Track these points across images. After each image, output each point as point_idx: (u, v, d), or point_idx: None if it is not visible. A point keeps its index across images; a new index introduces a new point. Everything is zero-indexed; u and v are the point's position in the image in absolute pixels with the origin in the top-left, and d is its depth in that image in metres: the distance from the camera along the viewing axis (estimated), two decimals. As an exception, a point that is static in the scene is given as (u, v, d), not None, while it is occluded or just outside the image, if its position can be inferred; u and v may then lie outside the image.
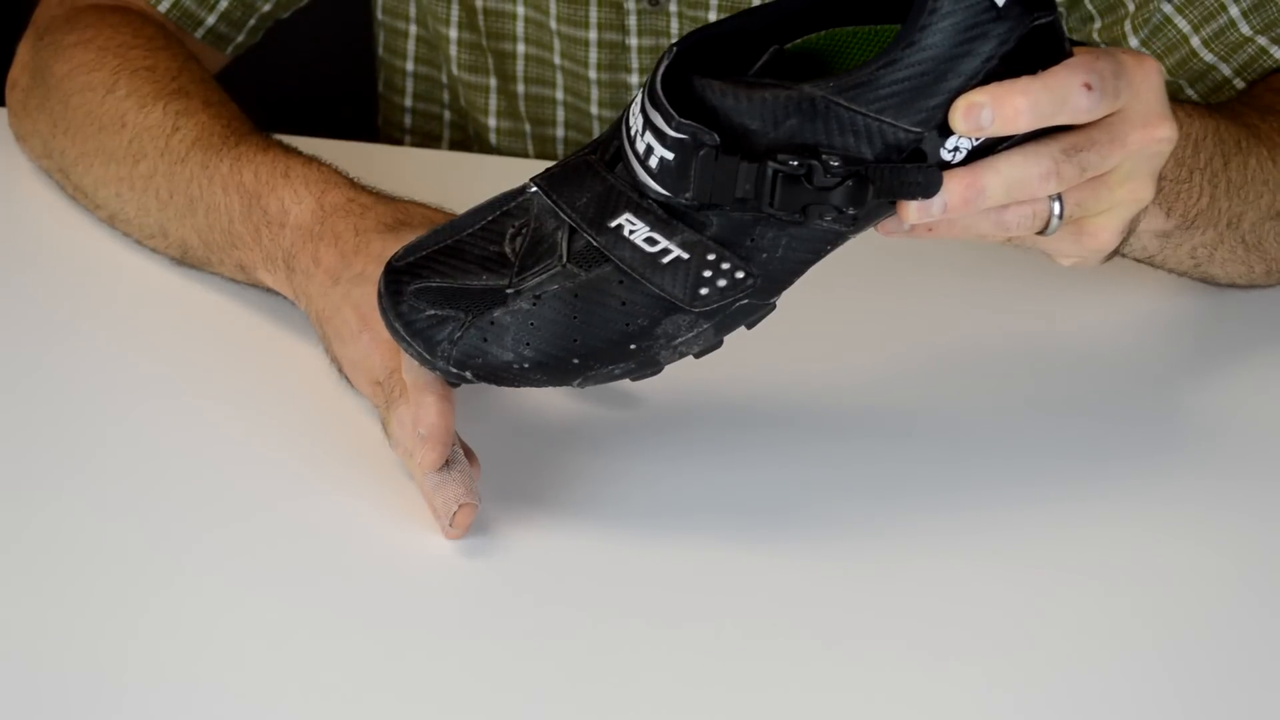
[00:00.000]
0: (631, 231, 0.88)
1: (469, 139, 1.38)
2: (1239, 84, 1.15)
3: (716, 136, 0.85)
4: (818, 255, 0.88)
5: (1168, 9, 1.15)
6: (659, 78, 0.86)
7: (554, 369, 0.90)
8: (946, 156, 0.86)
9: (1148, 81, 0.89)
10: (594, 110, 1.30)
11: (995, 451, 1.00)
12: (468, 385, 0.92)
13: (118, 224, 1.14)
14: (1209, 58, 1.16)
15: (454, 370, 0.90)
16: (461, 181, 1.23)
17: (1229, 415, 1.04)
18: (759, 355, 0.98)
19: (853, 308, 1.11)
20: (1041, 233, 0.90)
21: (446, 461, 0.92)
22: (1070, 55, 0.88)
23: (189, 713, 0.84)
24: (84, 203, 1.16)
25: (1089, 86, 0.86)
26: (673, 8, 1.25)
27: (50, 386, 1.03)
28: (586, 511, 0.95)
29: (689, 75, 0.86)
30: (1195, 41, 1.16)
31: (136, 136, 1.11)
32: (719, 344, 0.90)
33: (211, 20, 1.24)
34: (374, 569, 0.92)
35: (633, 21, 1.26)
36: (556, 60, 1.29)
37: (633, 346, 0.89)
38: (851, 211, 0.86)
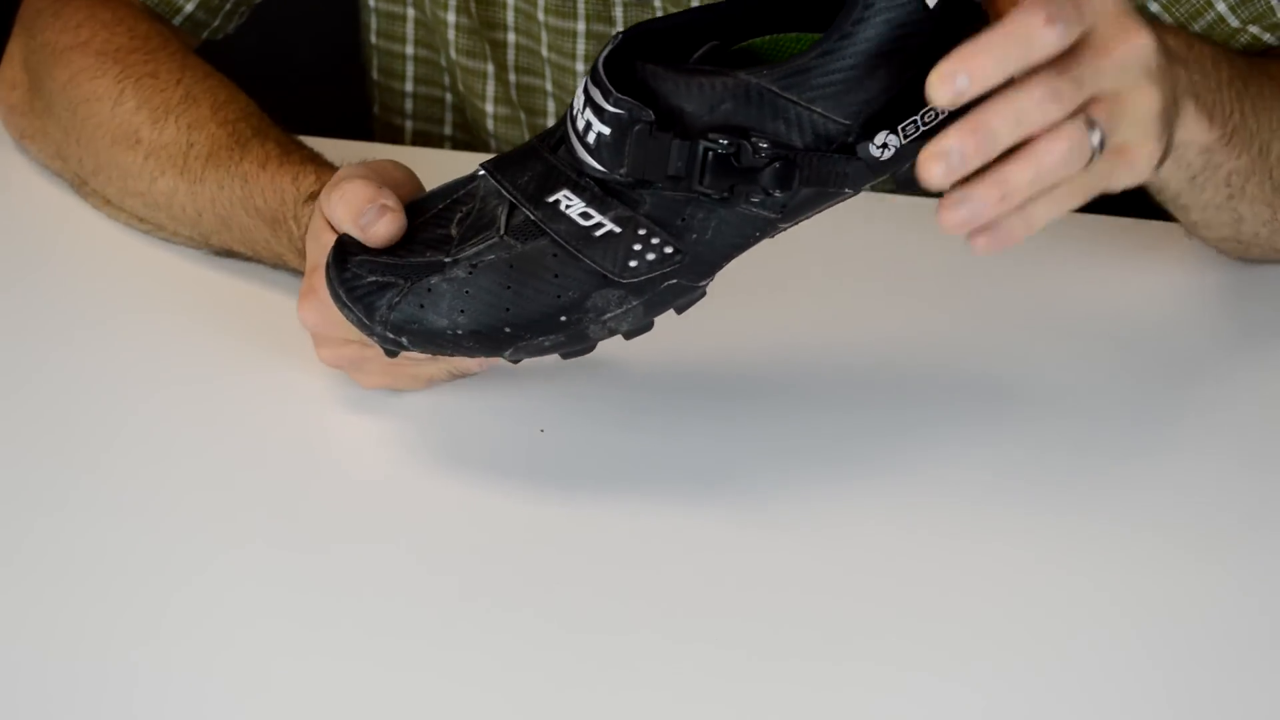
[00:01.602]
0: (568, 206, 0.91)
1: (469, 123, 1.37)
2: None
3: (651, 114, 0.88)
4: (746, 241, 0.91)
5: (1154, 8, 1.15)
6: (602, 60, 0.90)
7: (487, 337, 0.92)
8: (875, 152, 0.88)
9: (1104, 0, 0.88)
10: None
11: (994, 446, 1.01)
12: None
13: (147, 227, 1.16)
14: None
15: (390, 335, 0.93)
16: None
17: (1230, 406, 1.05)
18: (757, 353, 1.02)
19: (846, 299, 1.13)
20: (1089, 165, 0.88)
21: None
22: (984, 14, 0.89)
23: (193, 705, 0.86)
24: (107, 210, 1.18)
25: (1050, 20, 0.86)
26: (656, 2, 1.24)
27: (57, 379, 1.05)
28: (584, 505, 0.97)
29: (632, 60, 0.89)
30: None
31: (152, 154, 1.13)
32: (649, 325, 0.93)
33: (190, 7, 1.24)
34: (371, 568, 0.93)
35: (619, 13, 1.26)
36: (544, 52, 1.29)
37: (563, 319, 0.92)
38: (778, 195, 0.89)
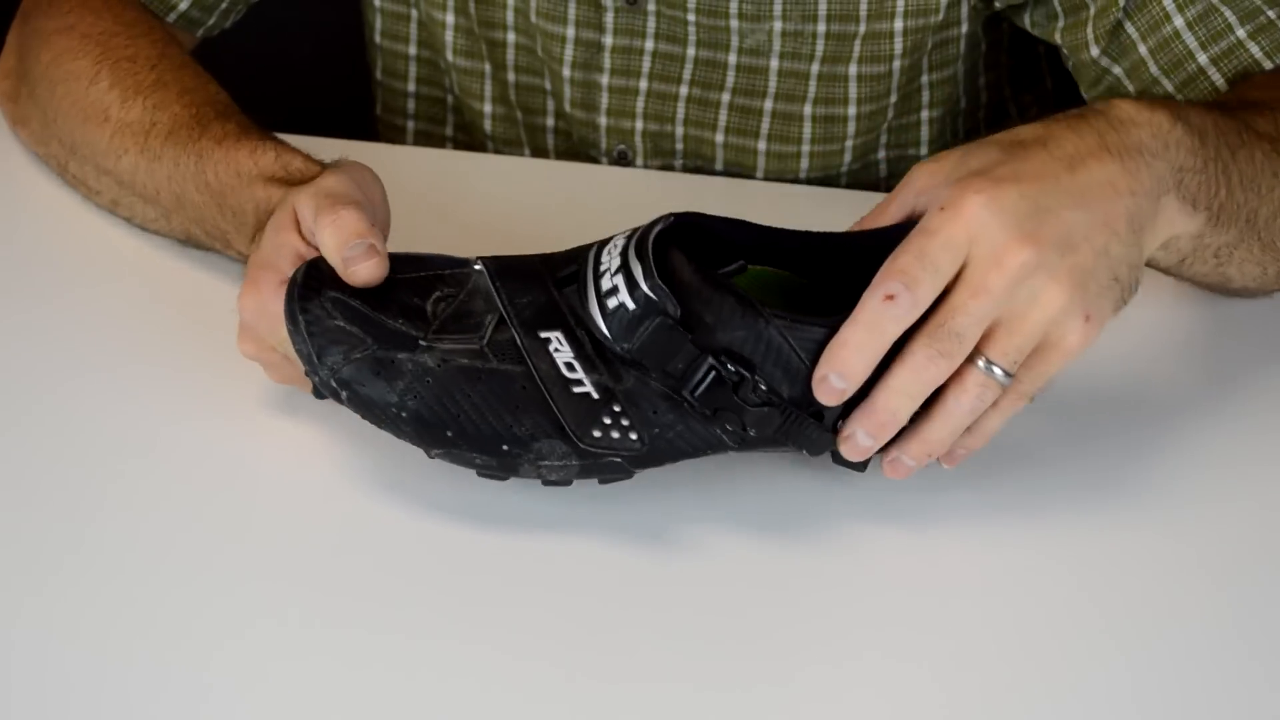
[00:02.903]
0: (556, 350, 0.91)
1: (468, 124, 1.38)
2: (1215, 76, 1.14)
3: (680, 312, 0.89)
4: (695, 453, 0.92)
5: (1125, 22, 1.15)
6: (652, 236, 0.90)
7: (425, 429, 0.91)
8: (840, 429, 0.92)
9: (974, 220, 0.89)
10: (568, 109, 1.30)
11: (993, 448, 1.00)
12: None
13: (119, 210, 1.16)
14: (1154, 70, 1.15)
15: (333, 385, 0.92)
16: (462, 181, 1.24)
17: (1224, 417, 1.04)
18: None
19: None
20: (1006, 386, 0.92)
21: None
22: None
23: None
24: (83, 191, 1.18)
25: (890, 297, 0.88)
26: (650, 6, 1.24)
27: (51, 380, 1.05)
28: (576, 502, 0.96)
29: (670, 246, 0.90)
30: (1143, 50, 1.15)
31: (118, 132, 1.13)
32: (569, 483, 0.93)
33: (184, 5, 1.25)
34: (363, 569, 0.94)
35: (610, 20, 1.25)
36: (540, 53, 1.29)
37: (504, 448, 0.92)
38: (752, 433, 0.90)
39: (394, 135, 1.40)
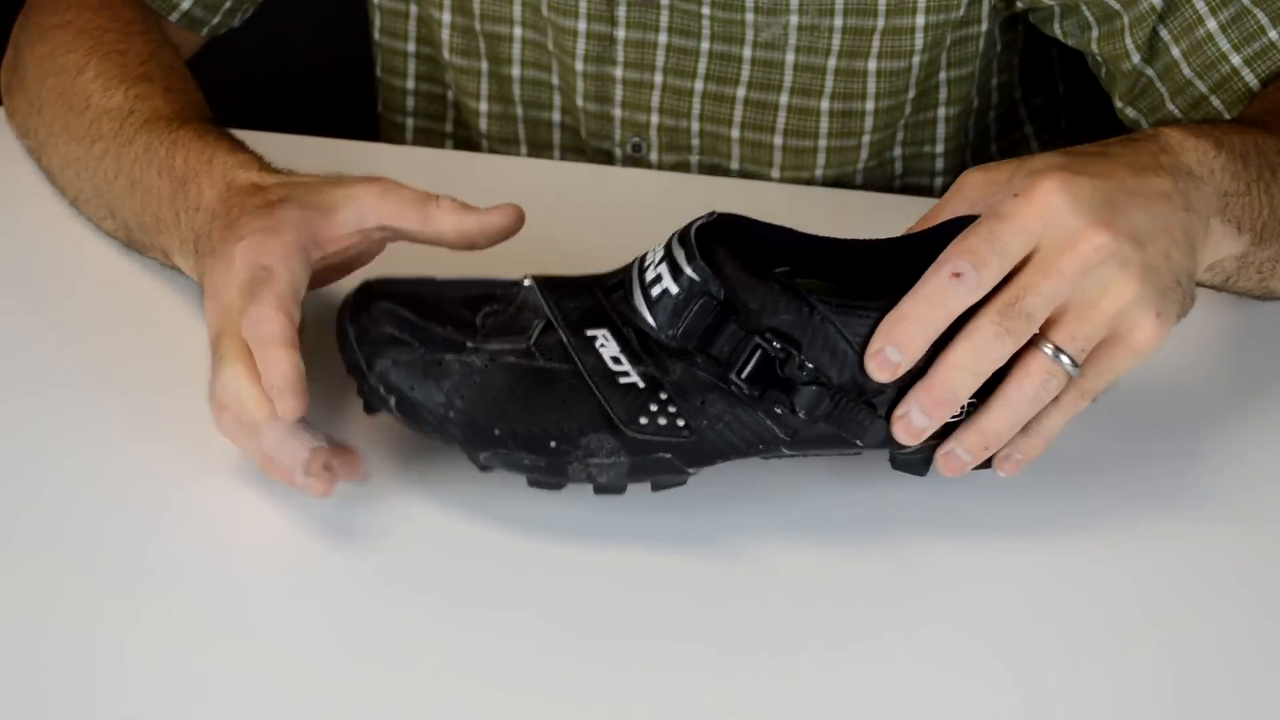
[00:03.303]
0: (603, 345, 0.92)
1: (466, 121, 1.37)
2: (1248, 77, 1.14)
3: (724, 292, 0.89)
4: (748, 448, 0.91)
5: (1159, 27, 1.15)
6: (695, 227, 0.91)
7: (475, 429, 0.91)
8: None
9: (1048, 206, 0.89)
10: (580, 102, 1.29)
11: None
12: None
13: (80, 205, 1.15)
14: (1187, 72, 1.15)
15: (381, 391, 0.92)
16: (463, 182, 1.22)
17: (1232, 420, 1.04)
18: None
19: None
20: (1071, 377, 0.90)
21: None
22: None
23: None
24: (53, 184, 1.17)
25: (957, 275, 0.87)
26: (664, 0, 1.23)
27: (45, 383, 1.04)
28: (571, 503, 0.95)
29: (714, 243, 0.91)
30: (1175, 52, 1.15)
31: (97, 119, 1.12)
32: (622, 488, 0.93)
33: (186, 4, 1.25)
34: (353, 570, 0.93)
35: (622, 13, 1.24)
36: (550, 47, 1.29)
37: (553, 444, 0.91)
38: (800, 415, 0.89)
39: (394, 133, 1.40)
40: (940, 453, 0.91)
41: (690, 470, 0.92)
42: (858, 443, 0.90)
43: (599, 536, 0.94)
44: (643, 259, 0.93)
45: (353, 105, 1.45)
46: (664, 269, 0.90)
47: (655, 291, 0.90)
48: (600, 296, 0.93)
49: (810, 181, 1.28)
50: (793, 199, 1.25)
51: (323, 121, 1.29)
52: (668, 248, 0.91)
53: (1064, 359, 0.89)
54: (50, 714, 0.85)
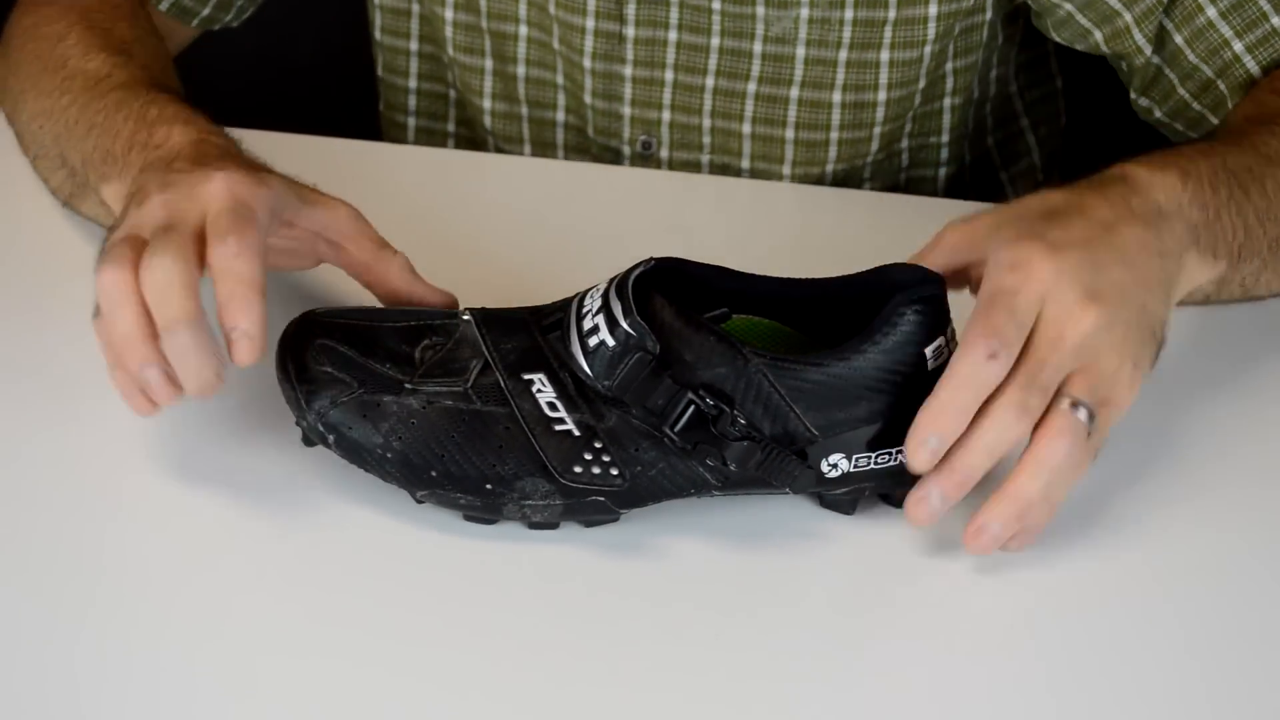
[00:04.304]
0: (539, 390, 0.93)
1: (470, 120, 1.37)
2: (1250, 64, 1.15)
3: (659, 348, 0.91)
4: (679, 493, 0.93)
5: (1163, 18, 1.16)
6: (632, 278, 0.92)
7: (411, 470, 0.93)
8: (825, 469, 0.93)
9: (1047, 279, 0.91)
10: (588, 100, 1.29)
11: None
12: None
13: (36, 163, 1.15)
14: (1192, 58, 1.17)
15: (320, 429, 0.94)
16: (463, 182, 1.23)
17: (1230, 417, 1.04)
18: None
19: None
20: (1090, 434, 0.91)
21: None
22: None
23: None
24: (21, 147, 1.18)
25: (992, 355, 0.89)
26: (673, -2, 1.24)
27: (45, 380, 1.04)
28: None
29: (652, 289, 0.92)
30: (1179, 39, 1.17)
31: (71, 76, 1.13)
32: (556, 526, 0.94)
33: None
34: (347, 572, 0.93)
35: (631, 10, 1.24)
36: (556, 45, 1.29)
37: (489, 487, 0.93)
38: (731, 468, 0.91)
39: (396, 132, 1.40)
40: (972, 529, 0.91)
41: (622, 511, 0.94)
42: (788, 490, 0.92)
43: (591, 536, 0.95)
44: (581, 303, 0.94)
45: (353, 105, 1.45)
46: (601, 320, 0.92)
47: (592, 342, 0.92)
48: (538, 336, 0.94)
49: (821, 176, 1.29)
50: (800, 199, 1.25)
51: (323, 121, 1.28)
52: (605, 298, 0.92)
53: (1082, 411, 0.90)
54: (50, 714, 0.86)
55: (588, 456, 0.92)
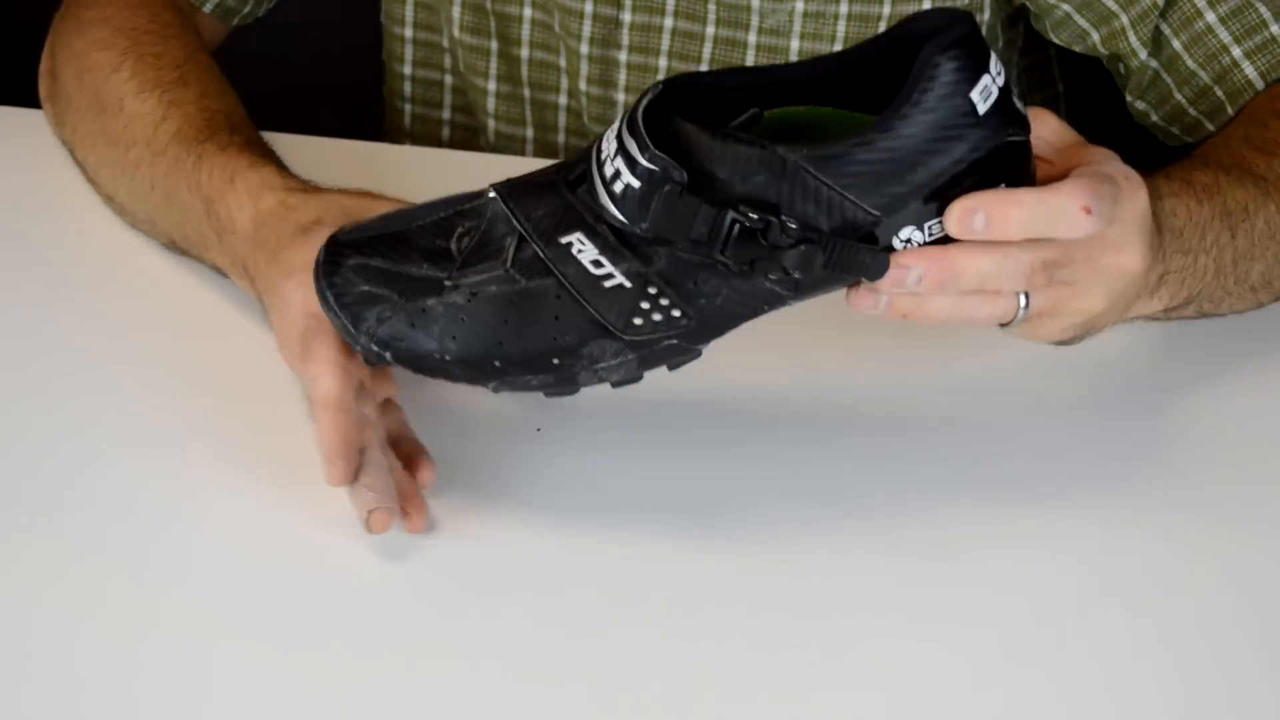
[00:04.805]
0: (580, 251, 0.89)
1: (469, 105, 1.37)
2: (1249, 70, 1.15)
3: (685, 174, 0.86)
4: (754, 313, 0.90)
5: (1160, 22, 1.16)
6: (641, 109, 0.88)
7: (474, 366, 0.91)
8: (898, 245, 0.88)
9: (1133, 208, 0.92)
10: (583, 86, 1.29)
11: (986, 451, 1.01)
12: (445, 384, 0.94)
13: (113, 206, 1.16)
14: (1190, 64, 1.16)
15: (375, 349, 0.92)
16: (463, 183, 1.22)
17: (1224, 418, 1.04)
18: (747, 352, 0.98)
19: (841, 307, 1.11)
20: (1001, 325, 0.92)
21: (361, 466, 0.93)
22: (1033, 177, 0.90)
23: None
24: (87, 180, 1.18)
25: (1088, 210, 0.88)
26: (669, -17, 1.23)
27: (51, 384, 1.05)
28: (562, 509, 0.96)
29: (669, 113, 0.88)
30: (1176, 45, 1.16)
31: (130, 122, 1.13)
32: (639, 378, 0.91)
33: None
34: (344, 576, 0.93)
35: None
36: (557, 29, 1.29)
37: (555, 361, 0.90)
38: (797, 275, 0.87)
39: (395, 118, 1.40)
40: (863, 292, 0.89)
41: (699, 346, 0.90)
42: (864, 279, 0.88)
43: (592, 534, 0.94)
44: (599, 149, 0.89)
45: (353, 104, 1.46)
46: (620, 163, 0.88)
47: (617, 187, 0.88)
48: (567, 193, 0.90)
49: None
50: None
51: (323, 121, 1.29)
52: (619, 138, 0.88)
53: (1023, 308, 0.90)
54: (53, 715, 0.86)
55: (645, 305, 0.89)
